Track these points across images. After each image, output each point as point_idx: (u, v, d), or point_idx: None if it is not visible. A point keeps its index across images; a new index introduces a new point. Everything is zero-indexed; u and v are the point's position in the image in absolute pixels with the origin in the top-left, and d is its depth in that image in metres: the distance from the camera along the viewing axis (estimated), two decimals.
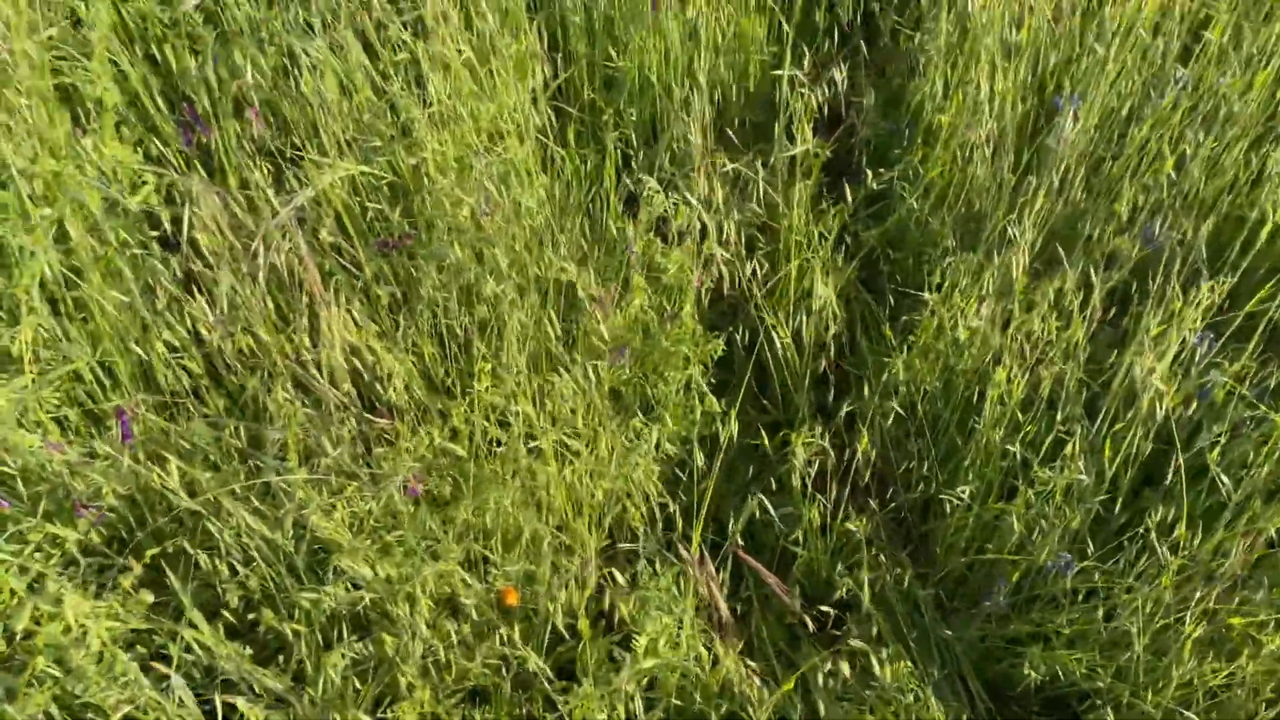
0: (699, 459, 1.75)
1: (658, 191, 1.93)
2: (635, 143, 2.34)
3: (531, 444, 1.74)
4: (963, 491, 1.77)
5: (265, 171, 1.81)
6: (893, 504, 1.99)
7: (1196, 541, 1.55)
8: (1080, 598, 1.76)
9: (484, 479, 1.71)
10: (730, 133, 2.29)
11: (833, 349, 2.17)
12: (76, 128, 1.91)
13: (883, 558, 1.94)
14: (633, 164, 2.26)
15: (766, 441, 2.00)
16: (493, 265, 1.90)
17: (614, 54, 2.28)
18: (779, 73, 1.93)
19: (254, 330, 1.72)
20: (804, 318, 2.05)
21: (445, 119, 2.00)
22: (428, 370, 1.91)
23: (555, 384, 1.78)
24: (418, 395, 1.80)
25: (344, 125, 1.98)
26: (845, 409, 1.89)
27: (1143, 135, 2.11)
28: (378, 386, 1.83)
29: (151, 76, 2.15)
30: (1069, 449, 1.70)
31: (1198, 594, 1.52)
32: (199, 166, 2.00)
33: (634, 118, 2.31)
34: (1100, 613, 1.67)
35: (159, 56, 2.23)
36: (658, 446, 1.83)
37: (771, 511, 1.81)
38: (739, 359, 2.17)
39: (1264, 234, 1.92)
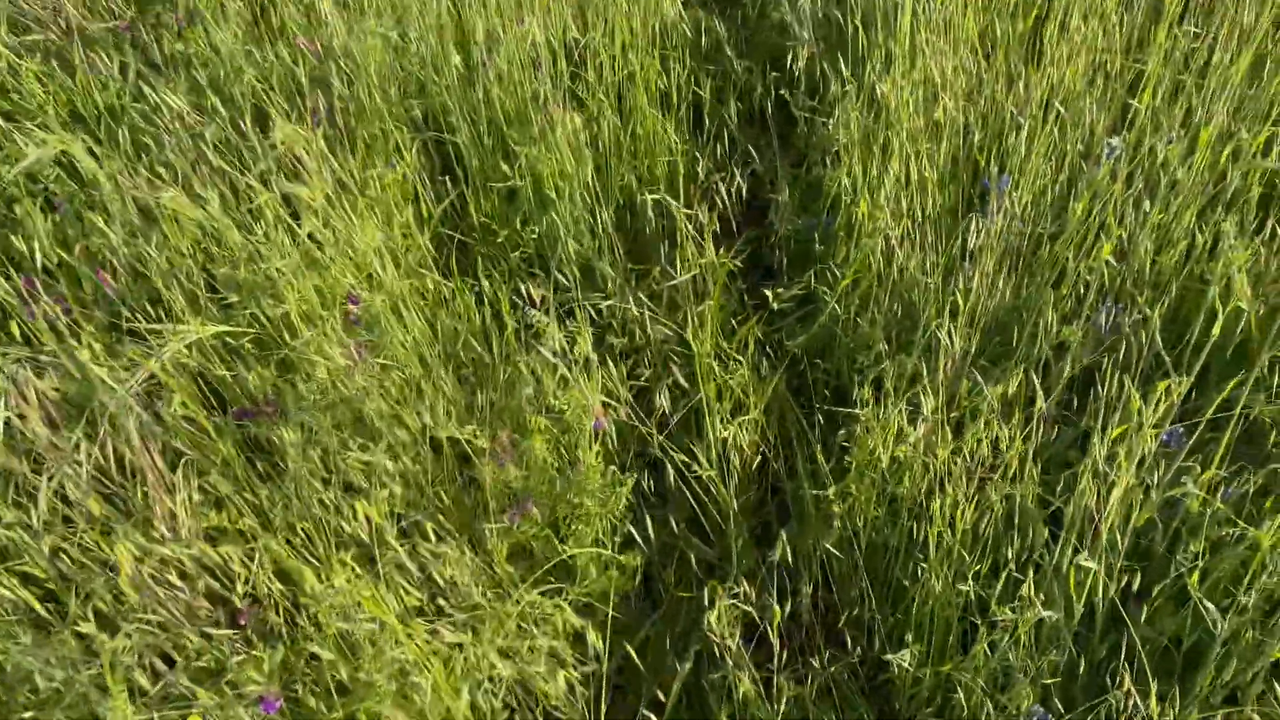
0: (598, 641, 1.51)
1: (547, 324, 1.74)
2: (547, 259, 2.16)
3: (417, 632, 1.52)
4: (905, 656, 1.53)
5: (97, 346, 1.61)
6: (842, 656, 1.75)
7: (1175, 712, 1.32)
8: None
9: (358, 683, 1.48)
10: (633, 243, 2.11)
11: (768, 471, 1.97)
12: None
13: (837, 716, 1.70)
14: (531, 288, 2.07)
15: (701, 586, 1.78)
16: (369, 424, 1.70)
17: (506, 169, 2.10)
18: (650, 197, 1.75)
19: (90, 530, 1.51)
20: (729, 444, 1.84)
21: (312, 264, 1.82)
22: (310, 545, 1.69)
23: (442, 555, 1.57)
24: (279, 586, 1.58)
25: (197, 281, 1.80)
26: (776, 554, 1.66)
27: (1082, 209, 1.92)
28: (239, 576, 1.61)
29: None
30: (1025, 589, 1.47)
31: None
32: (48, 340, 1.81)
33: (534, 235, 2.13)
34: None
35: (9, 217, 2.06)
36: (564, 625, 1.61)
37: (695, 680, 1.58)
38: (673, 491, 1.97)
39: (1224, 314, 1.71)
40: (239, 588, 1.47)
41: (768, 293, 1.82)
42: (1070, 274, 1.93)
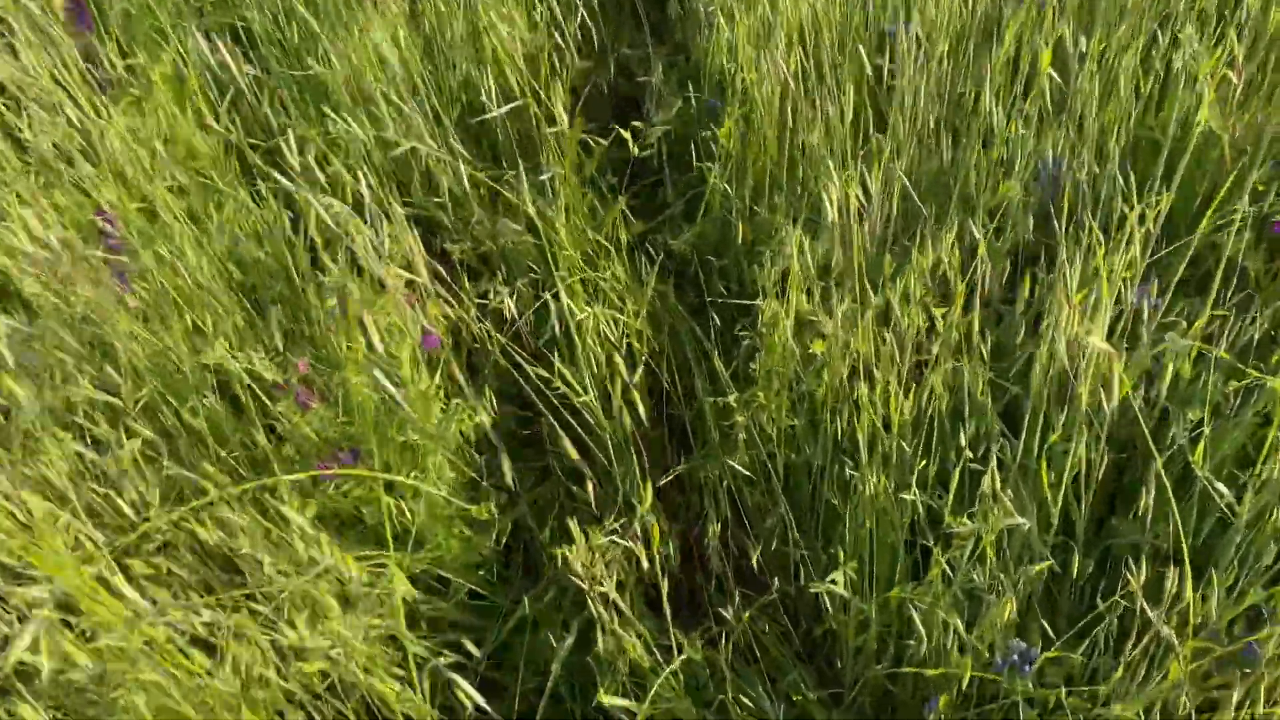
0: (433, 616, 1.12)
1: (352, 218, 1.35)
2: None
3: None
4: (837, 578, 1.17)
5: None
6: (759, 599, 1.38)
7: (1213, 604, 0.98)
8: (1053, 704, 1.17)
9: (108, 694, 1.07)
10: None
11: (661, 397, 1.61)
12: None
13: (764, 687, 1.33)
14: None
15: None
16: (124, 360, 1.29)
17: (312, 61, 1.71)
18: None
19: None
20: (588, 332, 1.46)
21: (46, 171, 1.41)
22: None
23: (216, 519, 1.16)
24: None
25: None
26: (664, 479, 1.29)
27: (1005, 52, 1.59)
28: None
29: None
30: (986, 482, 1.12)
31: (1232, 691, 0.94)
32: None
33: (348, 135, 1.73)
34: None
35: None
36: (401, 603, 1.21)
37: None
38: (547, 432, 1.59)
39: (1190, 146, 1.38)
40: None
41: (626, 134, 1.44)
42: (1000, 134, 1.61)
